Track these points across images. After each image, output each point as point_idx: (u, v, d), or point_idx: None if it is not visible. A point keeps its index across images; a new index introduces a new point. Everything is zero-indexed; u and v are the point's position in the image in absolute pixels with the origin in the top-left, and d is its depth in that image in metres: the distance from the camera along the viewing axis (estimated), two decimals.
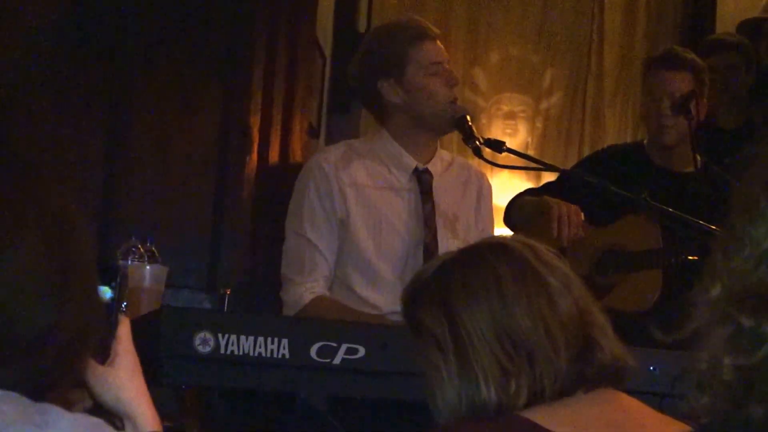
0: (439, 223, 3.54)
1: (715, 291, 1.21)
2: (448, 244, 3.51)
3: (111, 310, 1.63)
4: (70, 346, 1.43)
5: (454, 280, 1.89)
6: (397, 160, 3.56)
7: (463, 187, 3.66)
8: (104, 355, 1.66)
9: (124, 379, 1.67)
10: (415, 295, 1.96)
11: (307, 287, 3.42)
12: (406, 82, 3.49)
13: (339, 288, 3.48)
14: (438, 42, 3.54)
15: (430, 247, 3.49)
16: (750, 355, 1.16)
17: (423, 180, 3.56)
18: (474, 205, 3.66)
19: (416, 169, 3.56)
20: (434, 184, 3.57)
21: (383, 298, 3.45)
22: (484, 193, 3.70)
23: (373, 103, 3.60)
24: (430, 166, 3.58)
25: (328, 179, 3.49)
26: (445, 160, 3.66)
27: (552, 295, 1.84)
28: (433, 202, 3.54)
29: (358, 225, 3.48)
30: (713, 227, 3.28)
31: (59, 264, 1.42)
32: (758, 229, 1.18)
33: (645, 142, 4.22)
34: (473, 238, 3.59)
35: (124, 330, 1.71)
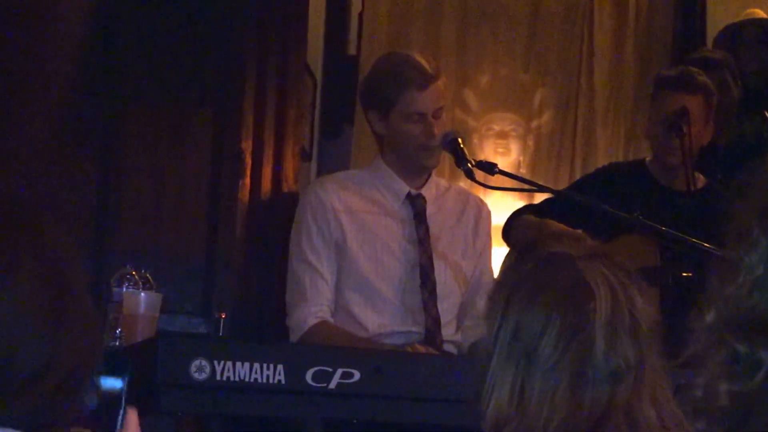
0: (434, 246, 3.56)
1: (710, 317, 1.22)
2: (443, 267, 3.55)
3: (120, 399, 1.61)
4: (66, 382, 1.44)
5: (524, 291, 1.83)
6: (390, 186, 3.60)
7: (459, 213, 3.69)
8: None
9: None
10: (502, 275, 1.92)
11: (310, 312, 3.45)
12: (389, 121, 3.55)
13: (337, 311, 3.50)
14: (432, 87, 3.51)
15: (425, 268, 3.52)
16: (746, 381, 1.16)
17: (416, 204, 3.59)
18: (471, 231, 3.68)
19: (409, 194, 3.60)
20: (428, 208, 3.61)
21: (382, 319, 3.47)
22: (482, 220, 3.72)
23: (369, 124, 3.66)
24: (423, 191, 3.62)
25: (323, 205, 3.53)
26: (441, 186, 3.70)
27: (585, 376, 1.76)
28: (426, 225, 3.57)
29: (355, 248, 3.51)
30: (708, 245, 3.28)
31: (54, 302, 1.43)
32: (751, 257, 1.19)
33: (647, 160, 4.22)
34: (469, 263, 3.63)
35: (132, 422, 1.70)
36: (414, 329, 3.45)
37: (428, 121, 3.50)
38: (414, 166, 3.61)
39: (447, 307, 3.54)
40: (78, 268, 1.48)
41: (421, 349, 3.31)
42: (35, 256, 1.43)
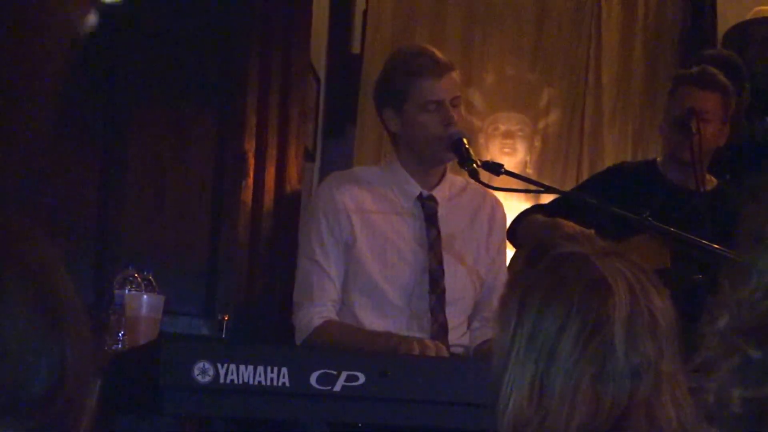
0: (445, 249, 3.52)
1: (723, 322, 1.21)
2: (454, 270, 3.51)
3: None
4: (76, 391, 1.43)
5: (540, 290, 1.79)
6: (403, 186, 3.56)
7: (473, 213, 3.64)
8: None
9: None
10: (515, 276, 1.89)
11: (316, 311, 3.43)
12: (403, 115, 3.50)
13: (343, 314, 3.48)
14: (445, 77, 3.47)
15: (435, 273, 3.48)
16: (759, 387, 1.15)
17: (427, 206, 3.55)
18: (485, 232, 3.63)
19: (421, 195, 3.55)
20: (441, 210, 3.56)
21: (389, 323, 3.44)
22: (496, 220, 3.67)
23: (384, 126, 3.62)
24: (436, 192, 3.57)
25: (335, 204, 3.50)
26: (456, 186, 3.65)
27: (606, 373, 1.73)
28: (438, 229, 3.53)
29: (364, 249, 3.48)
30: (719, 247, 3.26)
31: (52, 317, 1.42)
32: (764, 261, 1.18)
33: (658, 159, 4.20)
34: (482, 265, 3.59)
35: None
36: (419, 335, 3.41)
37: (446, 108, 3.45)
38: (431, 161, 3.54)
39: (457, 311, 3.50)
40: (64, 274, 1.47)
41: (430, 345, 3.23)
42: (19, 273, 1.41)
